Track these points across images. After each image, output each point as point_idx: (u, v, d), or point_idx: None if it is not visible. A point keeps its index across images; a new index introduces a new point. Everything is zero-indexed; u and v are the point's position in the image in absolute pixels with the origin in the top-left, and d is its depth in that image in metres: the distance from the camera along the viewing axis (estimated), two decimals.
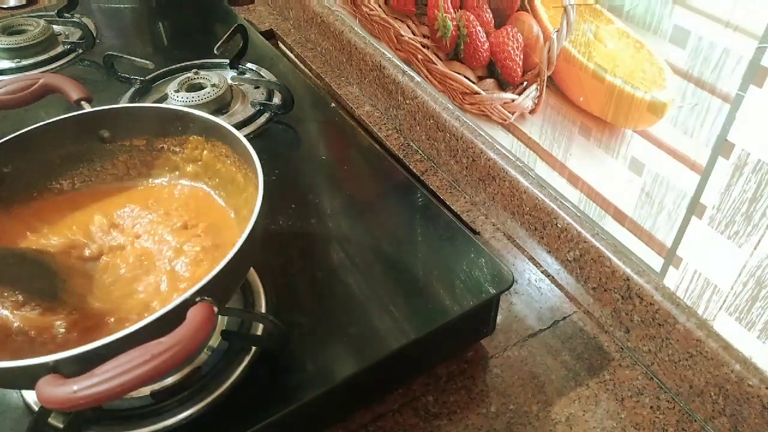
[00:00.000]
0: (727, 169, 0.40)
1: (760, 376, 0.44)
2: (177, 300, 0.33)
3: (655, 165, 0.46)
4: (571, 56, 0.49)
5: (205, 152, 0.49)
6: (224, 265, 0.35)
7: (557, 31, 0.49)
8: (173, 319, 0.32)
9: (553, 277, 0.60)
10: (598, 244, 0.54)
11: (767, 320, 0.42)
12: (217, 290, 0.35)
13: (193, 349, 0.29)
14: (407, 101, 0.75)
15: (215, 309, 0.32)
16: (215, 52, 0.72)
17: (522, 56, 0.55)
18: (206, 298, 0.34)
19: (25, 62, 0.80)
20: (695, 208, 0.44)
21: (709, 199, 0.42)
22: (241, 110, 0.69)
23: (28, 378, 0.30)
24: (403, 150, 0.77)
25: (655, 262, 0.49)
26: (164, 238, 0.47)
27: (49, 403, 0.28)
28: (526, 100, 0.56)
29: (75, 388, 0.27)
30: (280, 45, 1.00)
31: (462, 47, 0.62)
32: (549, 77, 0.53)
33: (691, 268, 0.46)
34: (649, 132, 0.45)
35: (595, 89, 0.48)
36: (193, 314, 0.31)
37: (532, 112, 0.57)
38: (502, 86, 0.59)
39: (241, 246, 0.36)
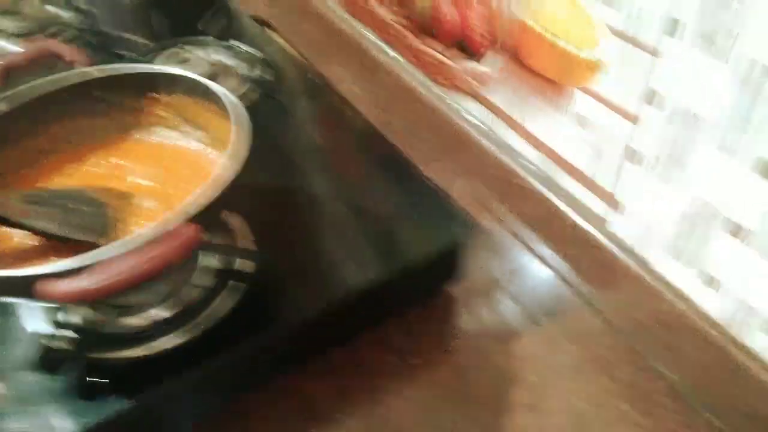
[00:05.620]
0: (654, 117, 0.45)
1: (694, 308, 0.49)
2: (167, 223, 0.37)
3: (597, 119, 0.50)
4: (525, 24, 0.54)
5: (191, 110, 0.54)
6: (213, 199, 0.39)
7: (512, 1, 0.54)
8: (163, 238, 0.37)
9: (516, 233, 0.65)
10: (554, 199, 0.59)
11: (697, 254, 0.47)
12: (201, 219, 0.39)
13: (179, 256, 0.34)
14: (386, 77, 0.79)
15: (200, 228, 0.36)
16: (199, 28, 0.76)
17: (484, 27, 0.60)
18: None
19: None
20: (631, 155, 0.49)
21: (642, 146, 0.47)
22: (228, 84, 0.73)
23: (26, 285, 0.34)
24: (384, 125, 0.81)
25: (603, 210, 0.54)
26: (158, 190, 0.51)
27: (57, 296, 0.32)
28: (489, 68, 0.61)
29: (86, 282, 0.32)
30: (267, 30, 1.05)
31: (433, 23, 0.67)
32: (507, 45, 0.57)
33: (632, 213, 0.51)
34: (591, 88, 0.50)
35: (545, 53, 0.53)
36: (182, 230, 0.35)
37: (494, 79, 0.61)
38: (469, 57, 0.64)
39: (230, 181, 0.40)
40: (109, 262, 0.33)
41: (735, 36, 0.37)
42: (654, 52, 0.43)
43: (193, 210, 0.37)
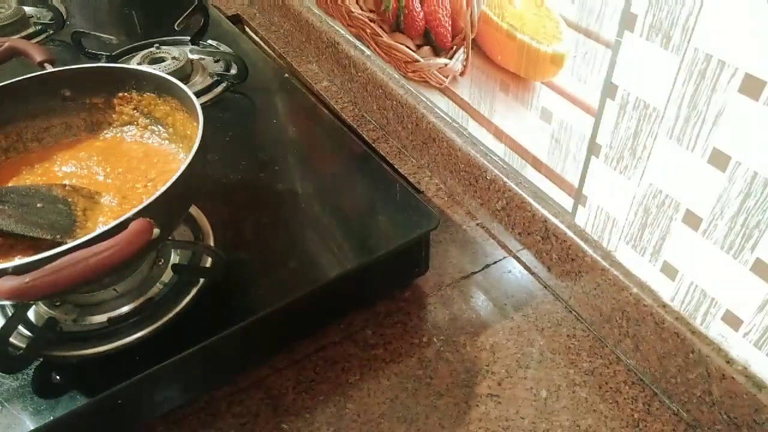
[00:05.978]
0: (614, 110, 0.46)
1: (653, 296, 0.50)
2: (121, 218, 0.38)
3: (560, 112, 0.51)
4: (489, 18, 0.54)
5: (158, 107, 0.54)
6: (164, 190, 0.40)
7: None
8: (116, 233, 0.37)
9: (485, 227, 0.66)
10: (521, 192, 0.60)
11: (655, 245, 0.48)
12: (157, 214, 0.40)
13: (128, 252, 0.34)
14: (359, 74, 0.80)
15: (152, 223, 0.37)
16: (176, 28, 0.77)
17: (450, 22, 0.60)
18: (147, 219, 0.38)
19: None
20: (593, 148, 0.49)
21: (603, 139, 0.48)
22: (200, 81, 0.73)
23: None
24: (357, 120, 0.82)
25: (567, 202, 0.55)
26: (124, 185, 0.52)
27: (5, 294, 0.33)
28: (457, 63, 0.62)
29: (27, 279, 0.32)
30: (247, 29, 1.05)
31: (402, 18, 0.68)
32: (473, 40, 0.58)
33: (594, 205, 0.52)
34: (553, 82, 0.50)
35: (509, 47, 0.53)
36: (132, 225, 0.36)
37: (462, 74, 0.62)
38: (437, 52, 0.65)
39: (182, 173, 0.41)
40: (51, 259, 0.33)
41: (690, 30, 0.38)
42: (613, 46, 0.44)
43: (143, 205, 0.37)
